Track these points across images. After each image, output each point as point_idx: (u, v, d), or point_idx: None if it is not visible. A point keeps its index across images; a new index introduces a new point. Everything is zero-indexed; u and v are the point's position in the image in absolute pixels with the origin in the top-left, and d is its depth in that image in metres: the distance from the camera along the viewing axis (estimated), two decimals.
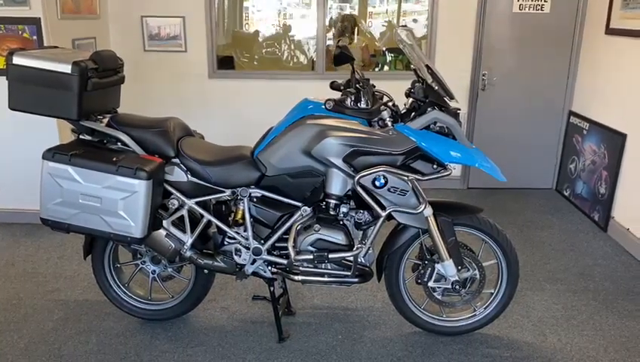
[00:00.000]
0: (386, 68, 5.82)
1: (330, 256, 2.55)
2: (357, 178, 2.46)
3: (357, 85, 2.48)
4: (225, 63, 5.65)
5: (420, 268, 2.78)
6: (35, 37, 4.02)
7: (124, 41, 5.12)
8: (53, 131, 4.09)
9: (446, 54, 5.13)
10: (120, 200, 2.44)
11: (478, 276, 2.77)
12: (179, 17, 5.06)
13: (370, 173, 2.46)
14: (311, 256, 2.55)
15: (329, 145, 2.48)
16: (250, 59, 6.25)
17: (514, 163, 5.32)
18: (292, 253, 2.53)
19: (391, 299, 2.88)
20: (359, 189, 2.48)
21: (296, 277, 2.70)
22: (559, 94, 5.18)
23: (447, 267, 2.68)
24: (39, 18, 3.95)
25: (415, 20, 5.84)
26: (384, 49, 5.85)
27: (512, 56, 5.09)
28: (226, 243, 2.78)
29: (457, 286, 2.72)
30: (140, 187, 2.42)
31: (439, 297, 2.80)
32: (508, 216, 4.68)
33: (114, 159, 2.45)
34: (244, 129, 5.28)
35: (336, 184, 2.54)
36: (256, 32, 6.61)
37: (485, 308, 2.88)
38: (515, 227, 4.45)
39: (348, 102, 2.48)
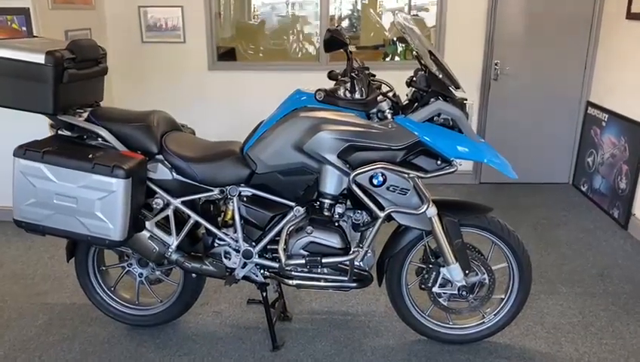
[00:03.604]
0: (397, 58, 5.62)
1: (324, 260, 2.35)
2: (352, 175, 2.26)
3: (351, 74, 2.26)
4: (230, 56, 5.47)
5: (424, 272, 2.58)
6: (24, 28, 3.86)
7: (121, 32, 4.94)
8: (43, 124, 3.93)
9: (456, 42, 4.90)
10: (97, 201, 2.26)
11: (487, 280, 2.56)
12: (177, 7, 4.87)
13: (367, 170, 2.25)
14: (303, 261, 2.36)
15: (322, 139, 2.28)
16: (255, 51, 6.06)
17: (528, 156, 5.07)
18: (283, 257, 2.33)
19: (393, 305, 2.68)
20: (355, 188, 2.27)
21: (290, 282, 2.52)
22: (576, 84, 4.91)
23: (454, 271, 2.48)
24: (28, 8, 3.79)
25: (426, 9, 5.64)
26: (394, 39, 5.64)
27: (526, 44, 4.83)
28: (216, 245, 2.60)
29: (464, 292, 2.51)
30: (117, 186, 2.24)
31: (445, 303, 2.60)
32: (521, 213, 4.44)
33: (90, 156, 2.27)
34: (245, 123, 5.04)
35: (331, 182, 2.34)
36: (262, 23, 6.42)
37: (495, 315, 2.67)
38: (528, 224, 4.21)
39: (341, 92, 2.27)
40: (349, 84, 2.25)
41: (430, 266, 2.55)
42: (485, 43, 4.86)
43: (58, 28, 4.11)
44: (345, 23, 6.37)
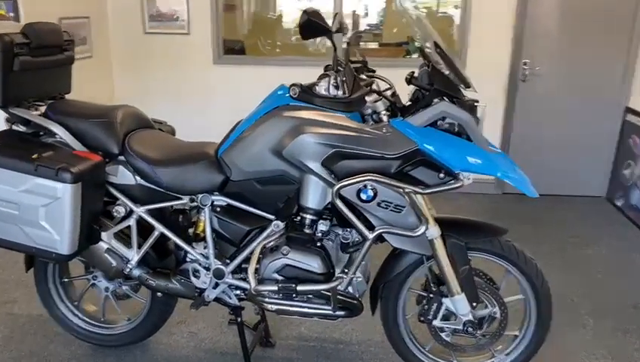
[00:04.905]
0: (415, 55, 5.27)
1: (299, 288, 2.00)
2: (336, 188, 1.90)
3: (338, 67, 1.90)
4: (241, 50, 5.17)
5: (424, 302, 2.21)
6: (11, 14, 3.62)
7: (123, 21, 4.68)
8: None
9: (481, 39, 4.49)
10: (41, 208, 1.96)
11: (498, 314, 2.18)
12: None
13: (354, 182, 1.89)
14: (275, 287, 2.01)
15: (304, 144, 1.93)
16: (272, 46, 5.76)
17: (558, 165, 4.64)
18: (252, 282, 1.99)
19: (388, 338, 2.31)
20: (339, 203, 1.91)
21: (269, 306, 2.17)
22: (614, 87, 4.47)
23: (458, 303, 2.10)
24: None
25: (456, 7, 5.27)
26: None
27: (559, 42, 4.41)
28: (188, 260, 2.28)
29: (470, 328, 2.13)
30: (63, 192, 1.93)
31: (448, 339, 2.22)
32: (548, 228, 4.01)
33: (34, 156, 1.97)
34: None
35: (313, 194, 1.99)
36: (280, 17, 6.11)
37: (507, 355, 2.28)
38: (555, 242, 3.78)
39: (319, 88, 1.91)
40: (331, 79, 1.89)
41: (431, 296, 2.18)
42: (513, 40, 4.46)
43: (51, 15, 3.84)
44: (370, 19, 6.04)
